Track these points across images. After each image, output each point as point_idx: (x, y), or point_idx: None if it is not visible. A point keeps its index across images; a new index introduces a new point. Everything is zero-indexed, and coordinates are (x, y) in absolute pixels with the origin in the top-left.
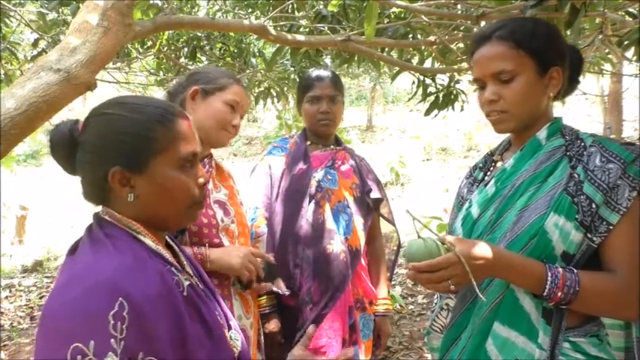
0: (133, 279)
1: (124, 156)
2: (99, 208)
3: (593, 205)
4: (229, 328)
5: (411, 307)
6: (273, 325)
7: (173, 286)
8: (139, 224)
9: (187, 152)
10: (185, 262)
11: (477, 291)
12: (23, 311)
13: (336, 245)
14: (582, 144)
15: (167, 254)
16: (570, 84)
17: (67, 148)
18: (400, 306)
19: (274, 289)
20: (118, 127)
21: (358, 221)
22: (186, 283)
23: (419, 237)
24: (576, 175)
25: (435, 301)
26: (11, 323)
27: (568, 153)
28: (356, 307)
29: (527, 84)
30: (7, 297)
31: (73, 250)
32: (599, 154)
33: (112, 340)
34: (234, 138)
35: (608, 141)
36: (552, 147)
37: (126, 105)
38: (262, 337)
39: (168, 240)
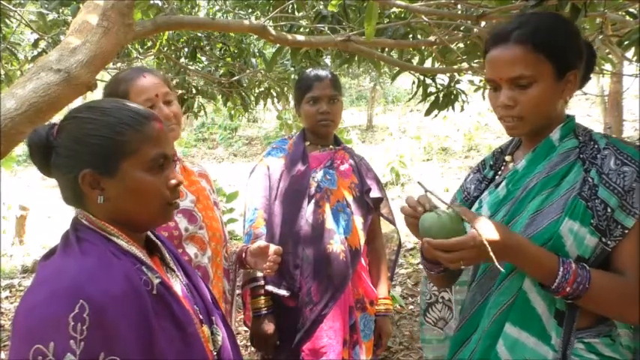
0: (95, 281)
1: (94, 159)
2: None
3: (609, 210)
4: (211, 323)
5: (411, 307)
6: (268, 327)
7: (140, 285)
8: (113, 225)
9: (156, 154)
10: (169, 259)
11: (498, 265)
12: None
13: (335, 245)
14: (596, 146)
15: (141, 253)
16: (582, 82)
17: (43, 152)
18: (400, 306)
19: (273, 289)
20: (89, 130)
21: (358, 221)
22: (157, 281)
23: (432, 210)
24: (590, 179)
25: (422, 289)
26: (11, 323)
27: (581, 155)
28: (356, 307)
29: (545, 90)
30: (7, 297)
31: (49, 255)
32: (613, 157)
33: (72, 342)
34: (177, 126)
35: (622, 143)
36: (566, 148)
37: (97, 109)
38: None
39: (153, 238)
